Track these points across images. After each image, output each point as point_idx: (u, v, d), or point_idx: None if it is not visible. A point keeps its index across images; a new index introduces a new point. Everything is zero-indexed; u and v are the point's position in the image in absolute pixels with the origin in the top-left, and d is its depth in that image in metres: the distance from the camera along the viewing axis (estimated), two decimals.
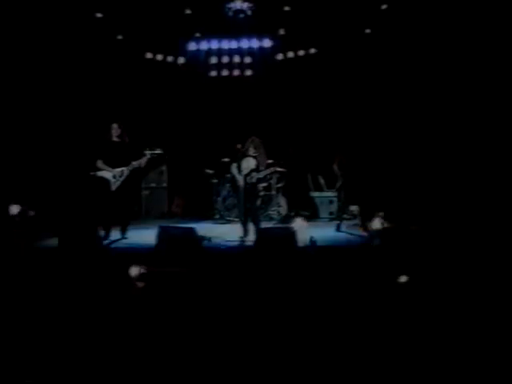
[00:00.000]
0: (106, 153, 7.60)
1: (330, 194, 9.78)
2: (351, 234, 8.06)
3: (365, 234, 7.16)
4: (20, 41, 9.06)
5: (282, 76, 10.77)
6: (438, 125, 9.40)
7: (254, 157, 7.72)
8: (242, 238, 7.54)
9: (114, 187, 7.54)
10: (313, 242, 6.40)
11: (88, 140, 8.48)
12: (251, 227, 7.59)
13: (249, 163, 7.68)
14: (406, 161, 9.63)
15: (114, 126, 7.63)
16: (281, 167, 9.03)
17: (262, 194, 9.54)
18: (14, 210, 8.72)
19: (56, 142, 9.72)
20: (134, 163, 7.59)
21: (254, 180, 7.69)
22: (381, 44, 10.06)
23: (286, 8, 9.86)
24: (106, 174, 7.57)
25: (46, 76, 9.55)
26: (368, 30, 10.20)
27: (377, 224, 6.14)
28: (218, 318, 3.53)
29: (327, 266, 5.59)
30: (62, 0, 9.19)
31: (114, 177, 7.56)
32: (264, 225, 8.10)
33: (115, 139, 7.63)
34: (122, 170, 7.56)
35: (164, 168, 10.69)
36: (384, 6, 9.63)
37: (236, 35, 10.69)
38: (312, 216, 9.91)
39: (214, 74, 11.10)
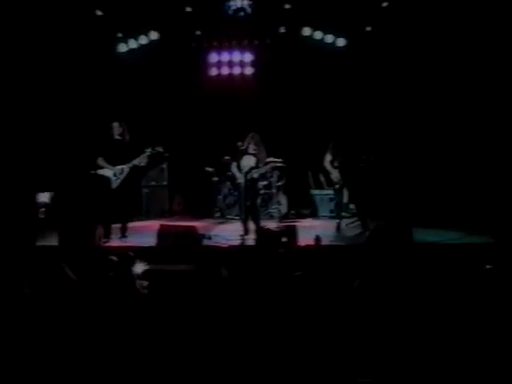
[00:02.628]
0: (107, 151, 7.61)
1: (330, 191, 9.78)
2: (351, 232, 8.07)
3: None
4: (21, 39, 9.06)
5: (282, 74, 10.77)
6: (439, 123, 9.40)
7: (254, 154, 7.72)
8: (242, 236, 7.56)
9: (114, 185, 7.56)
10: (318, 239, 6.35)
11: (89, 138, 8.48)
12: (251, 225, 7.60)
13: (248, 161, 7.69)
14: (406, 158, 9.63)
15: (115, 124, 7.63)
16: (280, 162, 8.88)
17: (262, 192, 9.55)
18: (43, 198, 8.53)
19: (57, 140, 9.73)
20: (134, 161, 7.61)
21: (254, 176, 7.68)
22: (381, 42, 10.05)
23: (287, 6, 9.85)
24: (107, 172, 7.58)
25: (47, 74, 9.56)
26: (369, 28, 10.19)
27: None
28: (217, 316, 3.54)
29: (327, 264, 5.59)
30: None
31: (115, 175, 7.57)
32: (264, 223, 8.09)
33: (116, 137, 7.65)
34: (122, 168, 7.57)
35: (164, 166, 10.69)
36: (385, 4, 9.62)
37: (236, 33, 10.68)
38: (312, 214, 9.95)
39: (214, 71, 11.10)
